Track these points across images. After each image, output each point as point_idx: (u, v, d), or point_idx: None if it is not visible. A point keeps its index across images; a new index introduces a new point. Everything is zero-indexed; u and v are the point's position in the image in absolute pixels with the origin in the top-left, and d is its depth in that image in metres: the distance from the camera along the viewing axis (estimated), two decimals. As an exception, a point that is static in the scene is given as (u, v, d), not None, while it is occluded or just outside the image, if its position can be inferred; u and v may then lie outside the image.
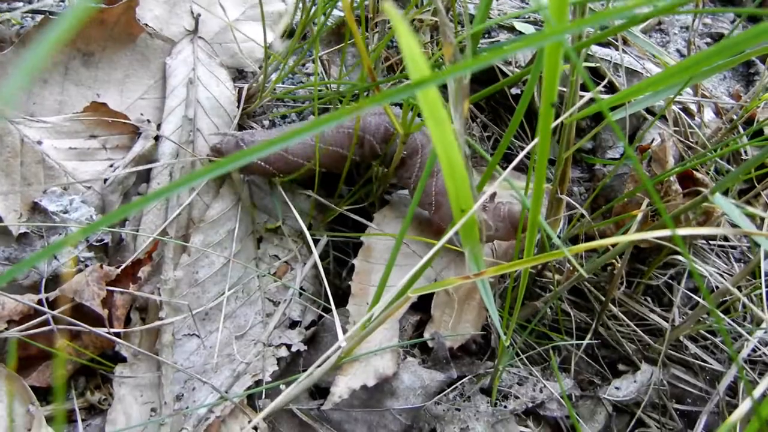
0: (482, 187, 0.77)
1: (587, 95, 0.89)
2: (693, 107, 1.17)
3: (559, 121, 0.76)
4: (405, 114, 0.93)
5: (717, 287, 1.11)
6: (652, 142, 1.10)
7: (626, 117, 1.15)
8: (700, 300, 1.06)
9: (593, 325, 1.10)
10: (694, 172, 1.04)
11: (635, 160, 0.52)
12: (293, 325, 1.03)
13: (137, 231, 0.98)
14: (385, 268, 0.81)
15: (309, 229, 1.07)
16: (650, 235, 0.67)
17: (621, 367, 1.13)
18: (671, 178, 1.02)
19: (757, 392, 0.66)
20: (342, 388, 0.96)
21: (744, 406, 0.69)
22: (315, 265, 1.04)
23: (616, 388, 1.08)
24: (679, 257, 1.09)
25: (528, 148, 0.76)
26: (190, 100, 1.03)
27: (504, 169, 1.19)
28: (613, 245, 0.94)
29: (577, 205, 0.97)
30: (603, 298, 1.06)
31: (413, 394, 0.98)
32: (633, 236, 0.69)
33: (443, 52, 0.64)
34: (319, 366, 0.88)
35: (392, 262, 0.83)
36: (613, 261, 1.01)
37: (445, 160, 0.60)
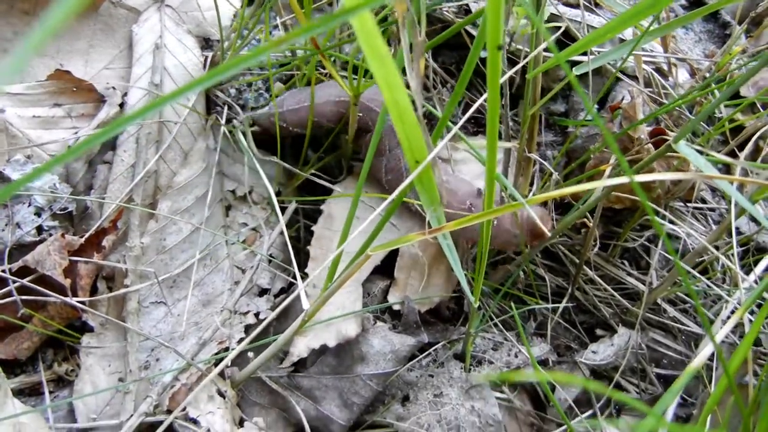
0: (436, 141, 0.75)
1: (555, 56, 0.88)
2: (667, 68, 1.15)
3: (508, 75, 0.75)
4: (350, 74, 0.91)
5: (693, 248, 1.09)
6: (622, 100, 1.08)
7: (589, 76, 1.14)
8: (680, 261, 1.04)
9: (569, 289, 1.09)
10: (667, 131, 1.03)
11: (595, 115, 0.50)
12: (262, 293, 1.02)
13: (103, 199, 0.97)
14: (345, 222, 0.80)
15: (278, 195, 1.06)
16: (605, 183, 0.66)
17: (599, 332, 1.12)
18: (643, 137, 1.00)
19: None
20: (301, 348, 0.95)
21: (704, 353, 0.68)
22: (283, 233, 1.03)
23: (593, 352, 1.06)
24: (656, 218, 1.07)
25: (479, 101, 0.74)
26: (156, 66, 1.02)
27: (474, 132, 1.17)
28: (582, 202, 0.93)
29: (545, 163, 0.96)
30: (578, 261, 1.05)
31: (383, 359, 0.97)
32: (589, 185, 0.68)
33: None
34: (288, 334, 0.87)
35: (351, 219, 0.81)
36: (586, 221, 0.99)
37: (392, 102, 0.59)
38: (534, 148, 0.93)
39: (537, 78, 0.88)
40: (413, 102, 0.61)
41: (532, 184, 1.04)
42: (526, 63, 0.86)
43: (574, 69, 0.85)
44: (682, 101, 0.84)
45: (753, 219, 1.15)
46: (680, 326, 1.10)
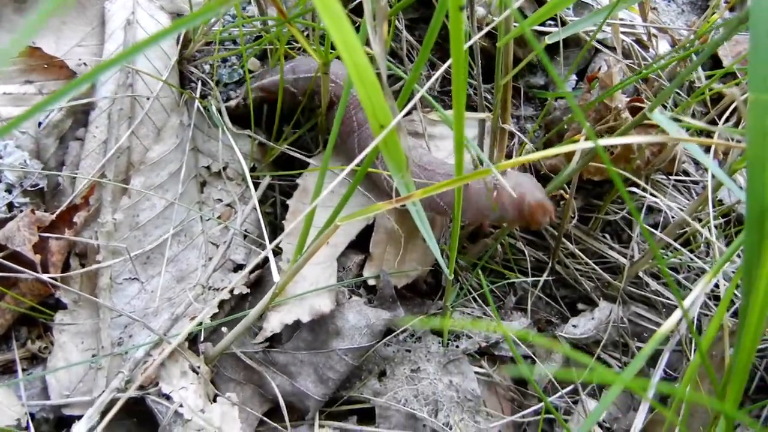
0: (402, 106, 0.74)
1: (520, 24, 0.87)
2: (647, 39, 1.13)
3: (475, 39, 0.73)
4: (317, 42, 0.90)
5: (673, 218, 1.08)
6: (599, 70, 1.06)
7: (560, 45, 1.12)
8: (658, 233, 1.03)
9: (549, 263, 1.08)
10: (647, 101, 1.01)
11: (560, 83, 0.49)
12: (237, 269, 1.01)
13: (75, 175, 0.96)
14: (313, 194, 0.79)
15: (253, 171, 1.05)
16: (571, 147, 0.65)
17: (581, 306, 1.11)
18: (620, 106, 0.99)
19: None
20: (274, 323, 0.94)
21: (672, 319, 0.67)
22: (256, 208, 1.03)
23: (573, 326, 1.05)
24: (637, 191, 1.06)
25: (445, 65, 0.73)
26: (128, 41, 1.01)
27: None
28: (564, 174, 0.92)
29: (519, 134, 0.94)
30: (557, 234, 1.03)
31: (359, 333, 0.96)
32: (555, 149, 0.66)
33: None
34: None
35: (319, 189, 0.81)
36: (562, 193, 0.98)
37: (351, 64, 0.58)
38: (508, 119, 0.92)
39: (508, 46, 0.87)
40: (380, 74, 0.60)
41: (509, 157, 1.03)
42: (496, 31, 0.84)
43: (546, 38, 0.84)
44: (657, 68, 0.82)
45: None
46: (663, 300, 1.09)
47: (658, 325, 1.09)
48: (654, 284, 1.10)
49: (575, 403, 1.04)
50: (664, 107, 1.10)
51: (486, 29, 0.78)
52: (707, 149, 1.03)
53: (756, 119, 0.48)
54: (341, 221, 0.78)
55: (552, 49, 1.14)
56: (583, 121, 0.47)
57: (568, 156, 1.04)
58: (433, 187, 0.70)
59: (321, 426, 0.97)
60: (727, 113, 1.11)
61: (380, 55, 0.69)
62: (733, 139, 0.95)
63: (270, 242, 0.91)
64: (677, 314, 0.66)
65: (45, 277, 0.90)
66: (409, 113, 1.10)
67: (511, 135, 1.04)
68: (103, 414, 0.86)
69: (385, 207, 0.75)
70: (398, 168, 0.76)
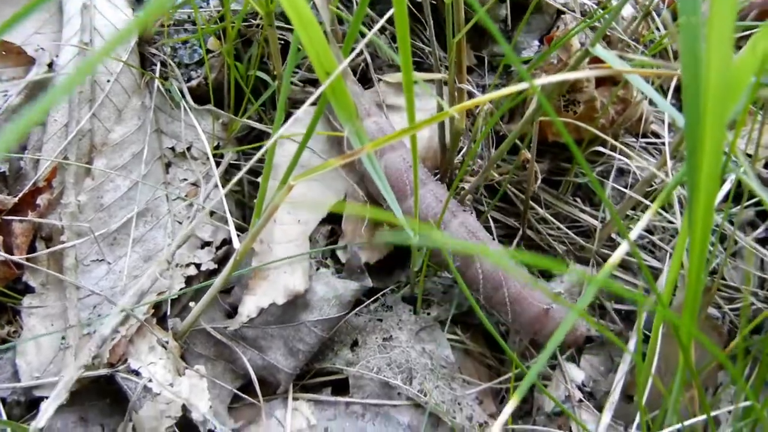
0: (347, 53, 0.74)
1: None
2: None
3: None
4: None
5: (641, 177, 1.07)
6: (557, 30, 1.06)
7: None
8: (628, 191, 1.02)
9: (520, 229, 1.07)
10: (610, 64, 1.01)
11: (507, 49, 0.49)
12: (204, 246, 1.01)
13: (37, 160, 0.96)
14: (267, 160, 0.79)
15: (216, 149, 1.05)
16: (514, 89, 0.65)
17: (555, 271, 1.10)
18: (580, 66, 0.98)
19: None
20: (250, 307, 0.94)
21: (619, 252, 0.66)
22: (224, 186, 1.02)
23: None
24: (606, 151, 1.05)
25: (388, 13, 0.73)
26: (85, 25, 1.02)
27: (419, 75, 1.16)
28: (527, 140, 0.91)
29: (479, 93, 0.94)
30: (525, 197, 1.03)
31: (327, 304, 0.95)
32: (504, 90, 0.66)
33: None
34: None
35: (272, 154, 0.80)
36: (525, 153, 0.97)
37: (293, 11, 0.58)
38: (464, 79, 0.92)
39: (458, 3, 0.87)
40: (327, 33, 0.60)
41: (470, 117, 1.03)
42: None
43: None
44: (605, 11, 0.82)
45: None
46: (637, 261, 1.08)
47: (635, 286, 1.08)
48: (628, 246, 1.08)
49: (553, 368, 1.03)
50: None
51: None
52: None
53: (687, 41, 0.48)
54: (294, 180, 0.78)
55: (518, 16, 1.14)
56: (520, 66, 0.46)
57: (544, 128, 1.03)
58: (392, 136, 0.69)
59: (295, 399, 0.97)
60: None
61: (322, 4, 0.69)
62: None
63: (227, 211, 0.90)
64: (624, 247, 0.65)
65: (12, 257, 0.90)
66: (372, 86, 1.10)
67: (471, 96, 1.04)
68: (73, 392, 0.86)
69: (338, 162, 0.75)
70: (348, 116, 0.76)
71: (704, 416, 0.73)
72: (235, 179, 0.89)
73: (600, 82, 1.02)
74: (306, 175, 0.77)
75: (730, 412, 0.95)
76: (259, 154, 0.71)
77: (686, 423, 0.74)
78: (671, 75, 0.70)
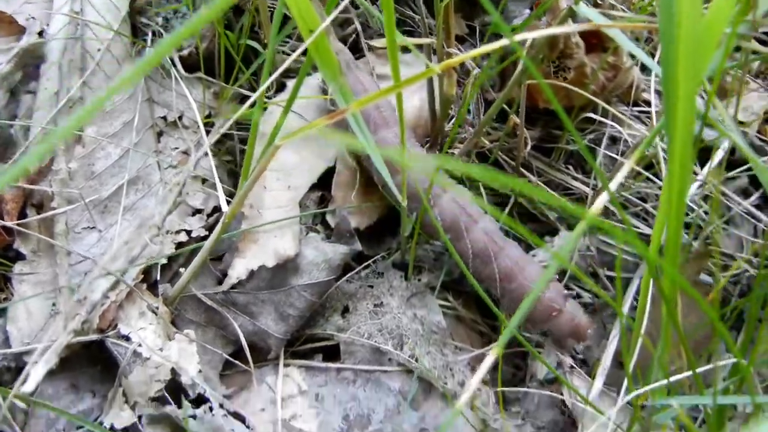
0: (330, 10, 0.74)
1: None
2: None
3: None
4: None
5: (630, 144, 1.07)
6: (546, -7, 1.06)
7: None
8: (619, 158, 1.02)
9: (512, 197, 1.07)
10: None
11: (495, 15, 0.49)
12: (196, 213, 1.01)
13: (28, 127, 0.97)
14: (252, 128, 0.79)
15: (208, 117, 1.06)
16: (494, 45, 0.65)
17: (547, 239, 1.09)
18: (569, 31, 0.98)
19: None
20: (240, 269, 0.94)
21: (599, 201, 0.66)
22: (216, 154, 1.03)
23: (533, 255, 1.04)
24: (597, 117, 1.05)
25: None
26: (76, -7, 1.02)
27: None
28: (516, 108, 0.91)
29: (470, 61, 0.94)
30: (515, 164, 1.03)
31: (317, 268, 0.95)
32: (486, 47, 0.66)
33: None
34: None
35: (256, 122, 0.81)
36: (514, 118, 0.97)
37: None
38: (452, 43, 0.92)
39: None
40: None
41: (459, 85, 1.03)
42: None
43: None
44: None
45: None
46: (632, 228, 1.08)
47: (628, 253, 1.08)
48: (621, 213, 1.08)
49: (545, 335, 1.03)
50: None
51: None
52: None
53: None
54: (281, 140, 0.78)
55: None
56: (504, 27, 0.46)
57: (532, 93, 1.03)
58: (375, 95, 0.69)
59: (286, 365, 0.97)
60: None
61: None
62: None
63: (216, 176, 0.90)
64: (604, 197, 0.64)
65: (3, 222, 0.90)
66: (362, 56, 1.10)
67: (462, 63, 1.04)
68: (64, 359, 0.87)
69: (324, 123, 0.75)
70: (332, 74, 0.76)
71: (690, 372, 0.72)
72: (214, 138, 0.89)
73: (590, 48, 1.02)
74: (292, 136, 0.77)
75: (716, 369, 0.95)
76: (241, 111, 0.71)
77: (672, 379, 0.74)
78: (649, 28, 0.70)
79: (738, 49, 1.09)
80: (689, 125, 0.52)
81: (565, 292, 0.96)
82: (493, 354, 0.56)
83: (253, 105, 0.99)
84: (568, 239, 1.05)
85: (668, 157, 0.55)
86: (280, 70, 0.74)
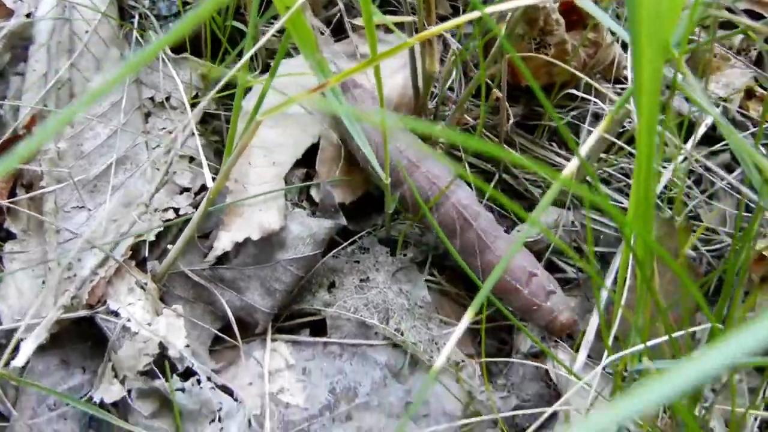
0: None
1: None
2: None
3: None
4: None
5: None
6: (527, -29, 1.07)
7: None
8: (606, 135, 1.03)
9: (497, 174, 1.08)
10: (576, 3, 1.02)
11: None
12: (183, 192, 1.02)
13: (17, 108, 0.98)
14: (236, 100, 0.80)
15: (195, 98, 1.07)
16: (465, 18, 0.66)
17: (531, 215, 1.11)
18: (549, 7, 0.99)
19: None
20: (225, 242, 0.95)
21: (571, 165, 0.67)
22: (203, 134, 1.04)
23: (518, 231, 1.05)
24: (578, 94, 1.06)
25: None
26: (62, -24, 1.04)
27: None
28: (497, 85, 0.93)
29: (453, 39, 0.95)
30: (498, 140, 1.04)
31: (302, 243, 0.97)
32: (464, 17, 0.67)
33: None
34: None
35: (240, 94, 0.82)
36: (497, 93, 0.98)
37: None
38: (434, 21, 0.93)
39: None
40: None
41: (442, 62, 1.04)
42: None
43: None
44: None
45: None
46: (615, 204, 1.09)
47: (612, 228, 1.09)
48: (605, 189, 1.10)
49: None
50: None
51: None
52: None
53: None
54: (263, 116, 0.79)
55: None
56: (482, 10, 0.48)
57: (514, 70, 1.04)
58: (358, 67, 0.70)
59: (274, 340, 0.98)
60: None
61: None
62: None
63: (201, 153, 0.92)
64: (575, 162, 0.66)
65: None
66: (346, 37, 1.12)
67: (445, 42, 1.05)
68: (54, 335, 0.88)
69: (304, 97, 0.76)
70: (309, 49, 0.77)
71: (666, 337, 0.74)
72: (198, 115, 0.90)
73: (571, 25, 1.03)
74: (273, 110, 0.78)
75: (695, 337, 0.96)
76: (223, 81, 0.72)
77: (649, 343, 0.75)
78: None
79: (728, 26, 1.10)
80: (655, 86, 0.53)
81: (551, 287, 0.96)
82: (467, 316, 0.57)
83: (236, 78, 1.01)
84: (553, 214, 1.07)
85: (637, 119, 0.56)
86: (258, 45, 0.76)
